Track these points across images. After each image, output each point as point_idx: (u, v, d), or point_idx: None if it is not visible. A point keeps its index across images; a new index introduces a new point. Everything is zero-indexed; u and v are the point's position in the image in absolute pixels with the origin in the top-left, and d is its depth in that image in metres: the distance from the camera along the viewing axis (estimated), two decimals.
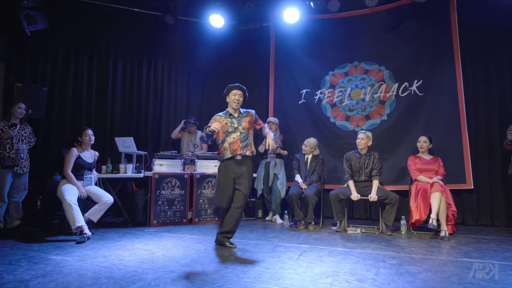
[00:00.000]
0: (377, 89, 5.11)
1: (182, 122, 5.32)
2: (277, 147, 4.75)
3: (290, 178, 4.93)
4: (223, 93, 3.33)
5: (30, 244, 3.22)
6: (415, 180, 4.11)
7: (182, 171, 4.48)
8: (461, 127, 4.54)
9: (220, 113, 3.32)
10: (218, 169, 3.26)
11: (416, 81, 4.88)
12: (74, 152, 3.77)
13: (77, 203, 3.51)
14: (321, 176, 4.64)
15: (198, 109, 5.96)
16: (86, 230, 3.43)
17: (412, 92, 4.89)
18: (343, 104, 5.28)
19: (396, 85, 5.01)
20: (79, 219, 3.43)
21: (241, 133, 3.20)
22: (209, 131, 3.03)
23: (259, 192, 4.94)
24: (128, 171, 4.28)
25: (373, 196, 3.98)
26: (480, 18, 4.57)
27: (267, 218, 4.94)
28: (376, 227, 4.13)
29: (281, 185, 4.77)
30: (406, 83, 4.94)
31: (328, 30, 5.40)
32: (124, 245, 3.25)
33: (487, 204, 4.45)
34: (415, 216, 3.79)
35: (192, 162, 4.57)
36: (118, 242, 3.37)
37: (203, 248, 3.13)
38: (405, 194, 4.45)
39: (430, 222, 3.61)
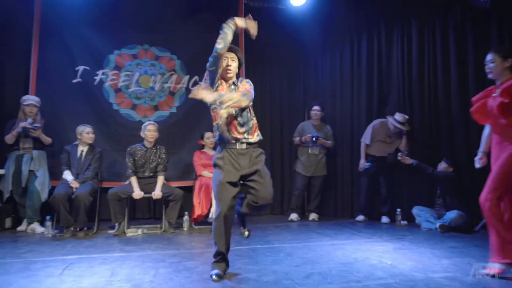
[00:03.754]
0: (168, 79, 5.34)
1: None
2: (37, 126, 4.12)
3: (56, 176, 4.38)
4: None
5: None
6: (200, 175, 4.60)
7: None
8: None
9: None
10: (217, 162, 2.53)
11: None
12: None
13: None
14: (98, 173, 4.40)
15: None
16: None
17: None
18: (130, 90, 5.20)
19: (187, 77, 5.40)
20: None
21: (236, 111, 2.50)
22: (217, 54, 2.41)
23: (7, 195, 4.14)
24: None
25: (157, 193, 4.16)
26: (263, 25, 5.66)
27: (19, 228, 4.21)
28: (159, 225, 4.34)
29: (40, 186, 4.17)
30: (196, 77, 5.41)
31: (117, 2, 5.16)
32: None
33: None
34: (197, 212, 4.25)
35: None
36: None
37: None
38: (189, 190, 4.89)
39: (210, 216, 4.15)
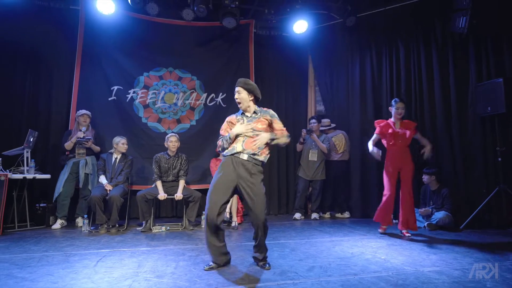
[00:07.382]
0: (189, 96, 5.37)
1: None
2: (88, 139, 4.19)
3: None
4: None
5: None
6: None
7: None
8: None
9: (233, 114, 2.68)
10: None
11: (221, 93, 5.45)
12: None
13: None
14: (129, 177, 4.40)
15: None
16: None
17: (218, 103, 5.43)
18: (156, 106, 5.23)
19: (205, 95, 5.42)
20: None
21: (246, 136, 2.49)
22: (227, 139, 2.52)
23: (56, 194, 4.18)
24: None
25: (178, 195, 4.13)
26: (270, 50, 5.73)
27: (54, 227, 4.16)
28: (180, 223, 4.29)
29: (92, 186, 4.29)
30: (213, 94, 5.43)
31: (146, 31, 5.23)
32: None
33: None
34: None
35: None
36: None
37: None
38: (207, 192, 4.83)
39: (226, 216, 4.09)
